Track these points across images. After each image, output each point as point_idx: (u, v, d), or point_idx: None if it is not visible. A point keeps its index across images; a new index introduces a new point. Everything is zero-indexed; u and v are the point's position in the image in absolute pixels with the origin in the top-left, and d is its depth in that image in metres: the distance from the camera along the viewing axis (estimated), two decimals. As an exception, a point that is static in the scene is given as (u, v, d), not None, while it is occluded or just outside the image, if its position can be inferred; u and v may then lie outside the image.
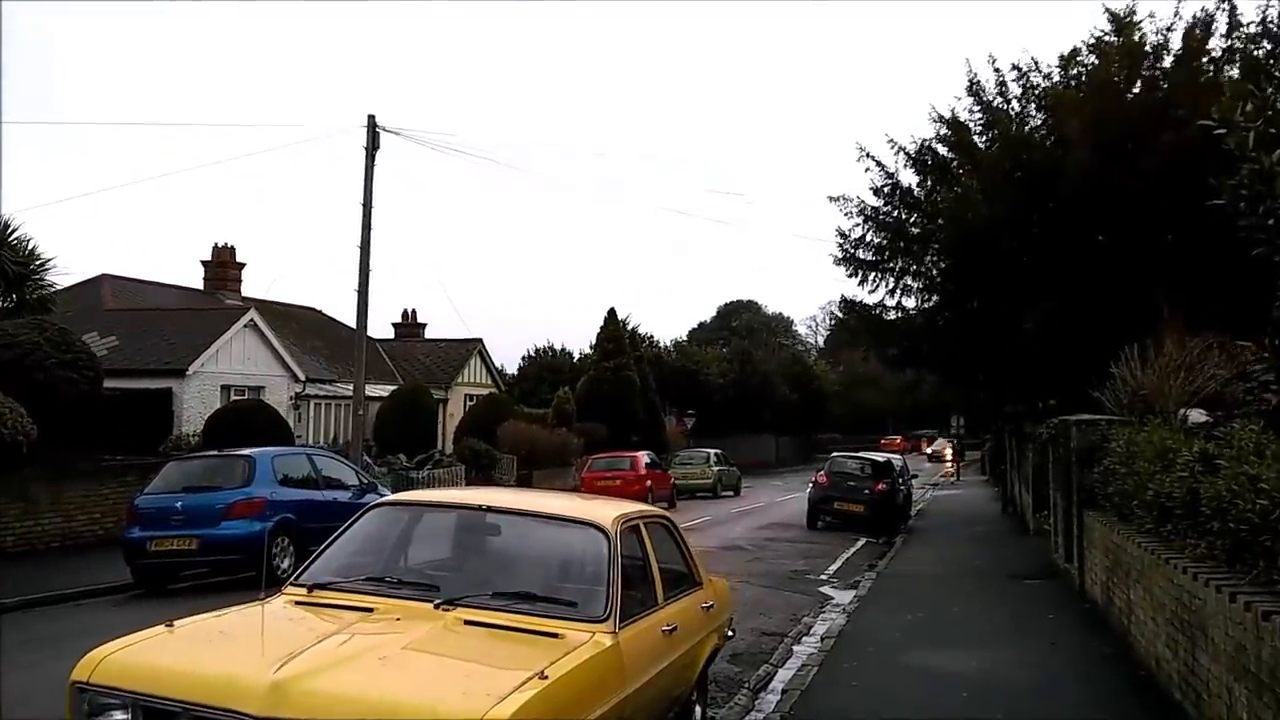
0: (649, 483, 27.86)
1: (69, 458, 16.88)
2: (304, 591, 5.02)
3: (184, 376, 26.65)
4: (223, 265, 36.21)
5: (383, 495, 15.78)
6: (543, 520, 5.39)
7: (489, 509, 5.42)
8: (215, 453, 14.53)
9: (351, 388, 34.59)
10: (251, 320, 29.33)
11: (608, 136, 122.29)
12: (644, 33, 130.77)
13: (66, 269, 49.28)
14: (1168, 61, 18.97)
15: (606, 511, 5.47)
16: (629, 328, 54.92)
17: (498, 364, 55.63)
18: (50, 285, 20.68)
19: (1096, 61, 19.64)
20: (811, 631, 10.98)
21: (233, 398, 27.42)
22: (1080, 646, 9.40)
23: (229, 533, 12.55)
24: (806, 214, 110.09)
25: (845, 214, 22.53)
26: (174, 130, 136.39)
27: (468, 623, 4.63)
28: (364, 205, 22.62)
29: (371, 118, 22.58)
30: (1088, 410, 13.31)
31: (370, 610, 4.75)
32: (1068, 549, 13.46)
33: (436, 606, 4.72)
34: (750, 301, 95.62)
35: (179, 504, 12.85)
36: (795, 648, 10.17)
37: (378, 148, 22.63)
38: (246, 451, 13.64)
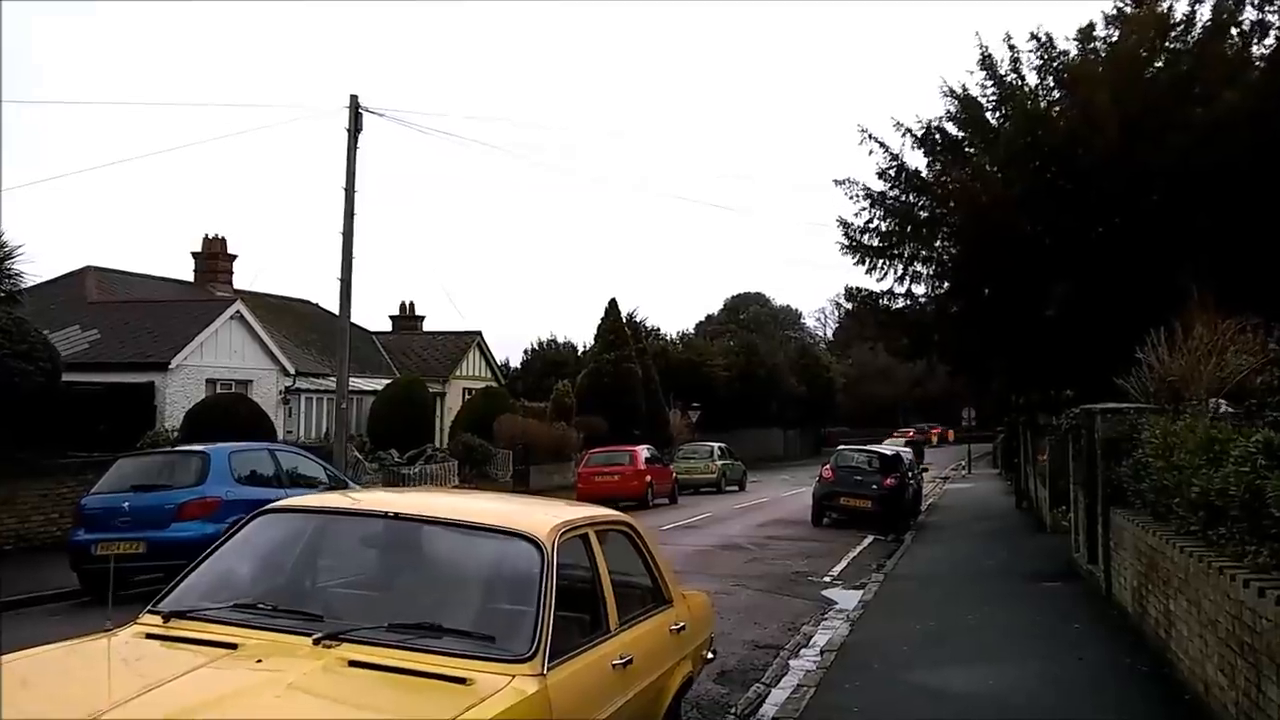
0: (648, 478, 26.86)
1: (26, 454, 15.90)
2: (159, 621, 4.02)
3: (166, 370, 25.79)
4: (213, 257, 35.43)
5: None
6: (462, 530, 4.36)
7: (396, 516, 4.40)
8: (168, 448, 13.51)
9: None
10: (238, 312, 28.42)
11: (608, 121, 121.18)
12: (646, 14, 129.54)
13: (33, 258, 48.32)
14: (1196, 34, 18.01)
15: (543, 518, 4.45)
16: (637, 320, 53.93)
17: (502, 358, 54.86)
18: (18, 274, 19.66)
19: (1117, 34, 18.67)
20: (811, 643, 9.95)
21: (219, 392, 26.52)
22: (1111, 663, 8.35)
23: (180, 535, 11.54)
24: (814, 203, 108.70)
25: (851, 198, 21.59)
26: (159, 114, 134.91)
27: (352, 664, 3.63)
28: (346, 190, 21.61)
29: (354, 98, 21.57)
30: (1109, 399, 12.29)
31: (234, 647, 3.75)
32: (1091, 549, 12.41)
33: (317, 642, 3.73)
34: (758, 294, 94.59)
35: (126, 504, 11.86)
36: (792, 662, 9.14)
37: (360, 129, 21.62)
38: (200, 447, 12.65)
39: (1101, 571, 11.50)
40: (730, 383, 57.78)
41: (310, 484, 13.61)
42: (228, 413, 21.77)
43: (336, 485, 13.94)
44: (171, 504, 11.86)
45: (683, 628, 5.48)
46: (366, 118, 21.83)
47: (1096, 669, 8.19)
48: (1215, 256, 15.22)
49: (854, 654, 9.07)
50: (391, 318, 44.54)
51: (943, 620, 10.60)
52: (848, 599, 12.58)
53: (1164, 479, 7.85)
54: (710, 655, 6.31)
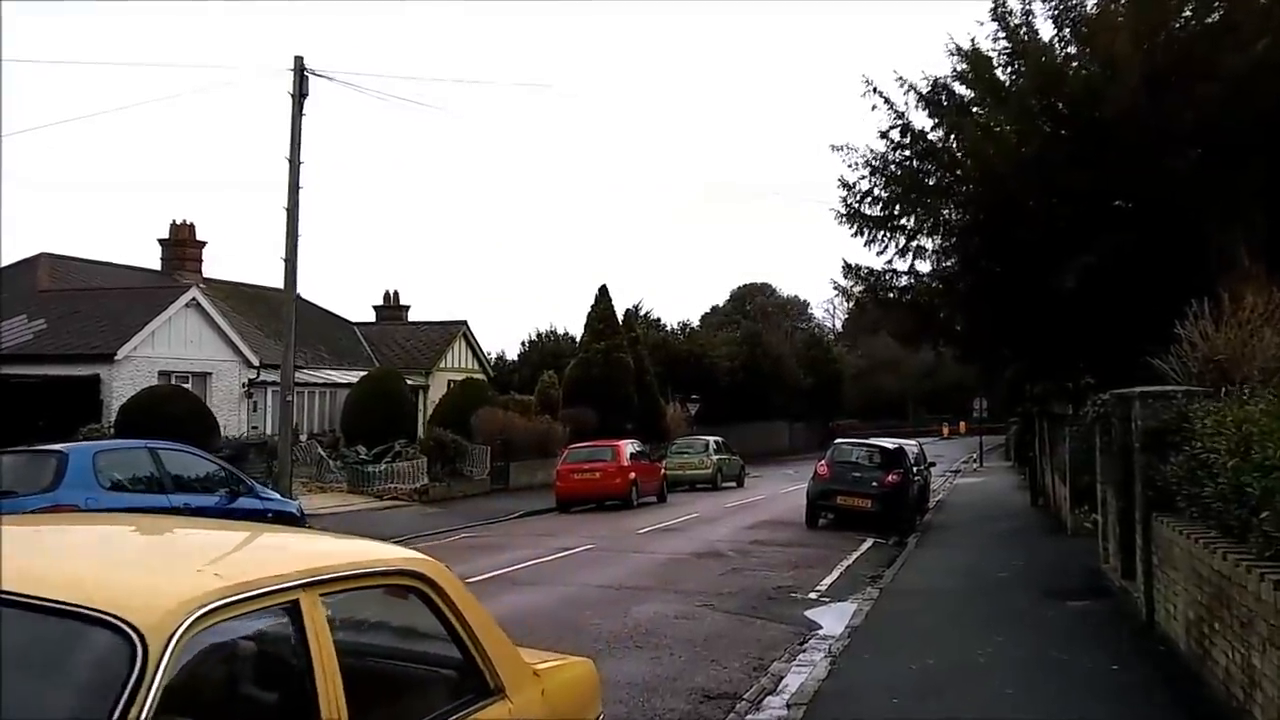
0: (633, 475, 24.79)
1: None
2: None
3: (113, 362, 23.97)
4: (180, 244, 33.64)
5: (265, 500, 12.87)
6: (15, 610, 2.33)
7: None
8: (22, 448, 11.50)
9: (321, 374, 32.02)
10: (194, 300, 26.57)
11: (607, 106, 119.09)
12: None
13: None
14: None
15: (181, 580, 2.44)
16: (639, 311, 51.71)
17: (498, 350, 53.14)
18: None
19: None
20: (780, 687, 7.88)
21: (172, 384, 24.68)
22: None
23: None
24: (815, 189, 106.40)
25: (850, 166, 19.63)
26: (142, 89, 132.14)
27: None
28: (290, 161, 19.69)
29: (299, 59, 19.64)
30: (1137, 384, 10.28)
31: None
32: (1126, 563, 10.36)
33: None
34: (764, 284, 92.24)
35: (-35, 514, 9.90)
36: (750, 718, 7.12)
37: (306, 94, 19.69)
38: (59, 446, 10.70)
39: (1140, 592, 9.44)
40: (734, 374, 55.69)
41: (206, 490, 11.66)
42: (162, 406, 19.91)
43: (241, 491, 12.01)
44: (16, 514, 9.88)
45: (515, 732, 3.45)
46: (314, 81, 19.92)
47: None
48: (1268, 214, 13.20)
49: (828, 708, 7.05)
50: (375, 307, 42.78)
51: (945, 656, 8.56)
52: (834, 622, 10.55)
53: (1246, 482, 5.79)
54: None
